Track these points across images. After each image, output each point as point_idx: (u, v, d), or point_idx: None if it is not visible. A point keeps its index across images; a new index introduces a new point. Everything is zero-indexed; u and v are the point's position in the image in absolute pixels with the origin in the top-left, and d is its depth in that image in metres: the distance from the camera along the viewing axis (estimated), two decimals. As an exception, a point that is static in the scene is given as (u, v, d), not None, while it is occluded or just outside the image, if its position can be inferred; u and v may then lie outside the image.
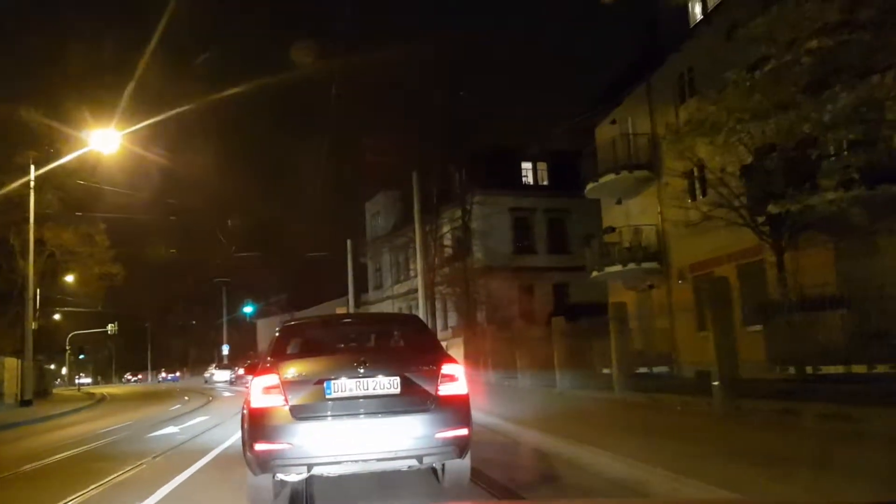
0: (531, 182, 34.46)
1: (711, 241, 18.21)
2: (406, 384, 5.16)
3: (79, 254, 29.63)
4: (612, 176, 20.92)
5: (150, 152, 26.02)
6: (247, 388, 5.72)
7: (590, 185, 21.92)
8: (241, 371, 46.27)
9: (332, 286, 50.55)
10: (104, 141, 22.51)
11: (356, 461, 5.09)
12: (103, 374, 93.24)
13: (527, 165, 34.37)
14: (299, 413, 5.01)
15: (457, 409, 5.26)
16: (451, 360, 5.59)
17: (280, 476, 5.29)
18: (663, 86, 20.33)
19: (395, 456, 5.09)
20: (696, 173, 19.03)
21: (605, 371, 16.64)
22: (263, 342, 59.73)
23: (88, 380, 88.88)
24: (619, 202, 22.75)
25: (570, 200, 33.63)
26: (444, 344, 23.66)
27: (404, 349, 6.29)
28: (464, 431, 5.24)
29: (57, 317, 68.31)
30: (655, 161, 20.57)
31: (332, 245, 44.04)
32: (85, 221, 28.18)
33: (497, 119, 41.92)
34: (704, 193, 18.75)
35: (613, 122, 22.71)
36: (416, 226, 27.92)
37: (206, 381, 52.46)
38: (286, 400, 5.05)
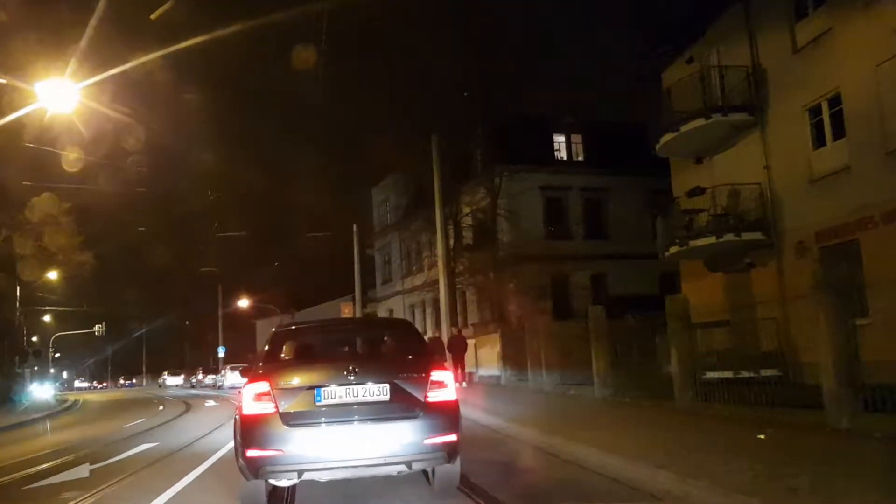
0: (564, 157, 29.11)
1: (851, 199, 12.95)
2: (395, 391, 5.04)
3: (39, 238, 24.14)
4: (700, 122, 15.56)
5: (115, 111, 20.53)
6: (238, 394, 5.60)
7: (666, 137, 16.55)
8: (200, 376, 50.98)
9: (335, 283, 45.47)
10: (57, 95, 17.26)
11: (346, 467, 4.98)
12: (100, 377, 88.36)
13: (559, 138, 29.05)
14: (290, 420, 4.90)
15: (445, 416, 5.10)
16: (441, 366, 5.40)
17: (272, 482, 5.16)
18: (770, 2, 15.05)
19: (385, 462, 4.98)
20: (825, 109, 13.73)
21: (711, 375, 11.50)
22: (262, 344, 54.28)
23: (86, 384, 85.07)
24: (698, 161, 17.42)
25: (609, 178, 28.54)
26: (472, 342, 17.56)
27: (394, 355, 6.05)
28: (452, 437, 5.10)
29: (47, 318, 63.72)
30: (759, 101, 15.25)
31: (335, 237, 38.89)
32: (44, 198, 22.76)
33: (525, 84, 36.35)
34: (840, 135, 13.43)
35: (690, 60, 17.40)
36: (437, 201, 22.65)
37: (159, 386, 54.03)
38: (277, 407, 4.94)
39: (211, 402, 22.25)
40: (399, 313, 37.01)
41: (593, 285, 27.99)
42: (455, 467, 5.39)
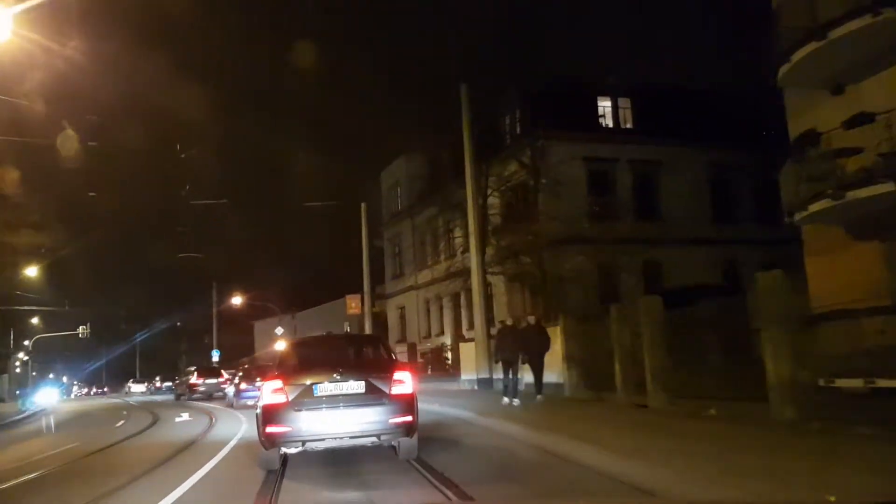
0: (611, 124, 24.20)
1: None
2: (369, 386, 6.76)
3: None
4: (864, 21, 10.58)
5: (57, 45, 15.56)
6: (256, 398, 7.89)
7: (805, 50, 11.53)
8: (158, 382, 53.72)
9: (339, 280, 40.50)
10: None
11: (334, 439, 6.70)
12: (99, 384, 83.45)
13: (605, 102, 24.18)
14: (296, 406, 6.60)
15: (405, 403, 6.79)
16: (402, 368, 7.21)
17: (283, 450, 6.84)
18: None
19: (362, 435, 6.74)
20: None
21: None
22: (261, 346, 49.73)
23: (84, 390, 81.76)
24: (837, 90, 12.45)
25: (662, 149, 23.71)
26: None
27: (368, 361, 7.86)
28: (409, 418, 6.75)
29: (35, 320, 59.36)
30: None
31: (340, 226, 33.93)
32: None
33: (564, 41, 31.24)
34: None
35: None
36: (467, 162, 17.77)
37: (125, 393, 55.67)
38: (287, 397, 6.64)
39: (185, 416, 17.25)
40: (413, 310, 32.07)
41: (645, 274, 23.11)
42: (413, 441, 7.04)
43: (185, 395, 28.88)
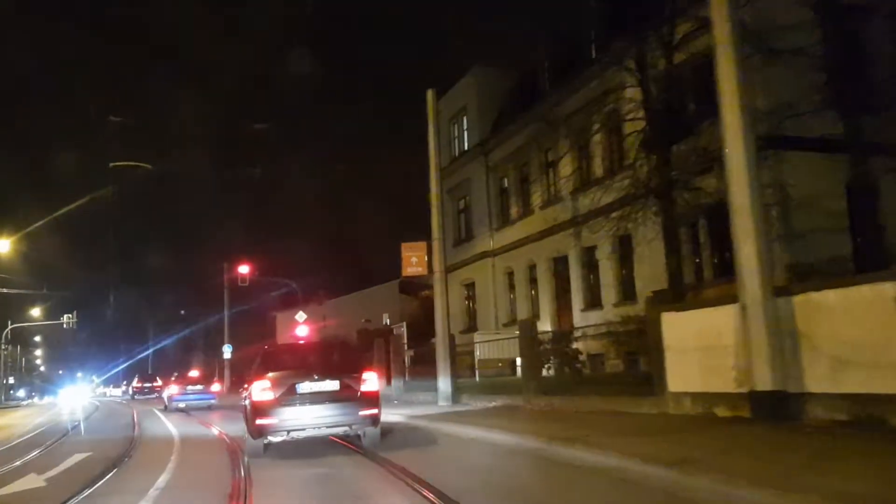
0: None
1: None
2: (342, 385, 7.99)
3: None
4: None
5: None
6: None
7: None
8: (123, 387, 55.96)
9: (377, 266, 31.87)
10: None
11: (314, 428, 7.89)
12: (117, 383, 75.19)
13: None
14: (281, 402, 7.76)
15: (371, 398, 8.04)
16: (370, 369, 8.77)
17: (269, 439, 7.93)
18: None
19: (336, 425, 7.99)
20: None
21: None
22: (283, 338, 41.09)
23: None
24: None
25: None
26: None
27: (341, 363, 8.84)
28: (375, 411, 8.03)
29: (36, 312, 52.14)
30: None
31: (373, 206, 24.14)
32: None
33: None
34: None
35: None
36: None
37: (105, 396, 56.75)
38: (274, 394, 7.80)
39: (75, 459, 7.75)
40: (487, 286, 22.17)
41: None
42: (377, 430, 8.26)
43: (132, 395, 37.80)
